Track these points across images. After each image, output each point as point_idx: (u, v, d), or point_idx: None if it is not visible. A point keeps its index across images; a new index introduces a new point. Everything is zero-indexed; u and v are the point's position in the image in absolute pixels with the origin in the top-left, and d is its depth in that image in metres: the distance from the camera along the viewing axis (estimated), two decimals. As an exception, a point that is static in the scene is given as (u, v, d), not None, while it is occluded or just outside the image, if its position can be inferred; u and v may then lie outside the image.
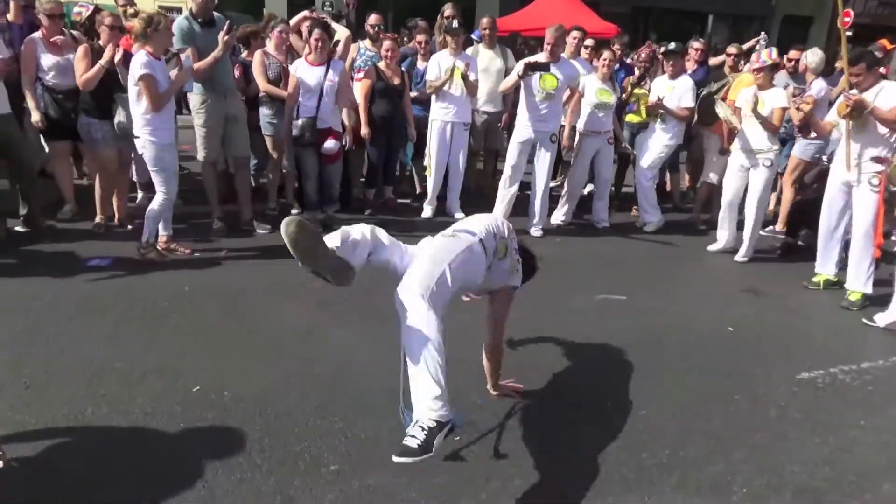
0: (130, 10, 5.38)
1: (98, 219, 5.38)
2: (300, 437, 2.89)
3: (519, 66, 5.67)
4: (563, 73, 5.78)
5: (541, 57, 5.76)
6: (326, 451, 2.82)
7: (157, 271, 4.67)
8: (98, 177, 5.38)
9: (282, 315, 4.11)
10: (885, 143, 4.54)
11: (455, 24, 6.22)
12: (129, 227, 5.43)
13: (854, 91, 4.53)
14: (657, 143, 6.28)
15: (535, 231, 6.15)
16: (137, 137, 4.63)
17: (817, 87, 6.11)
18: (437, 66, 6.08)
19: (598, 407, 3.27)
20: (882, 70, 5.51)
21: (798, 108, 5.37)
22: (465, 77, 5.96)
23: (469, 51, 6.47)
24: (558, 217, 6.54)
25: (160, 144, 4.60)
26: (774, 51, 5.52)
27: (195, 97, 5.27)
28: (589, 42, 6.86)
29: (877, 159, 4.53)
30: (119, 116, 5.02)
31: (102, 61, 4.92)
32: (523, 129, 5.91)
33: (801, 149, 6.23)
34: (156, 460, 2.70)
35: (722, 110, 5.57)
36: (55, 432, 2.83)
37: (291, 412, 3.08)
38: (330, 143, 5.56)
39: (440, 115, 6.18)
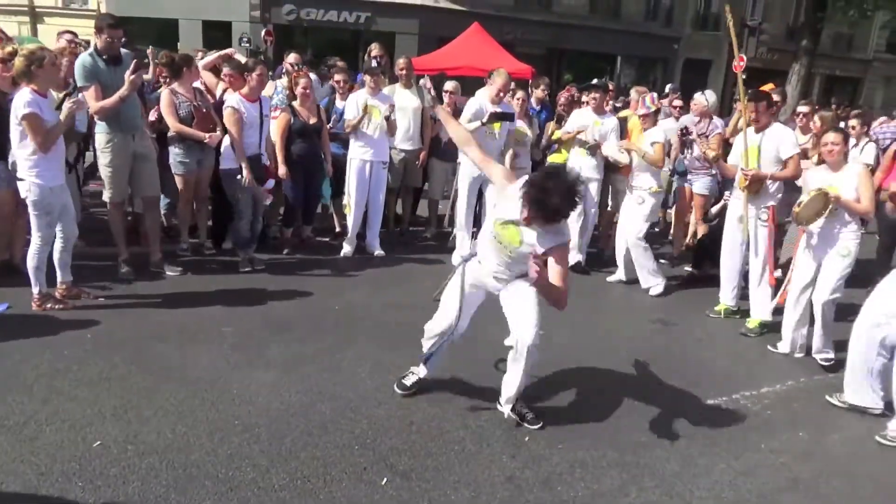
0: (8, 49, 5.05)
1: None
2: (210, 491, 2.77)
3: (483, 114, 5.79)
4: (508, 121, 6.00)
5: (489, 104, 5.88)
6: (238, 503, 2.71)
7: (57, 318, 4.41)
8: None
9: (192, 361, 3.95)
10: (777, 186, 4.95)
11: (374, 63, 6.29)
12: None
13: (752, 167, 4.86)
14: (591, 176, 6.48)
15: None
16: (21, 180, 4.32)
17: (717, 124, 6.57)
18: (356, 105, 6.12)
19: (516, 441, 3.31)
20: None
21: (704, 153, 5.72)
22: (388, 118, 6.02)
23: (386, 90, 6.55)
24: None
25: (46, 188, 4.31)
26: (656, 96, 6.08)
27: (100, 136, 5.07)
28: (520, 94, 7.07)
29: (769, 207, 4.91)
30: (12, 157, 4.72)
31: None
32: (470, 167, 5.98)
33: (701, 185, 6.60)
34: (49, 525, 2.53)
35: (609, 151, 6.01)
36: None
37: (201, 464, 2.95)
38: (271, 182, 5.67)
39: (358, 154, 6.20)
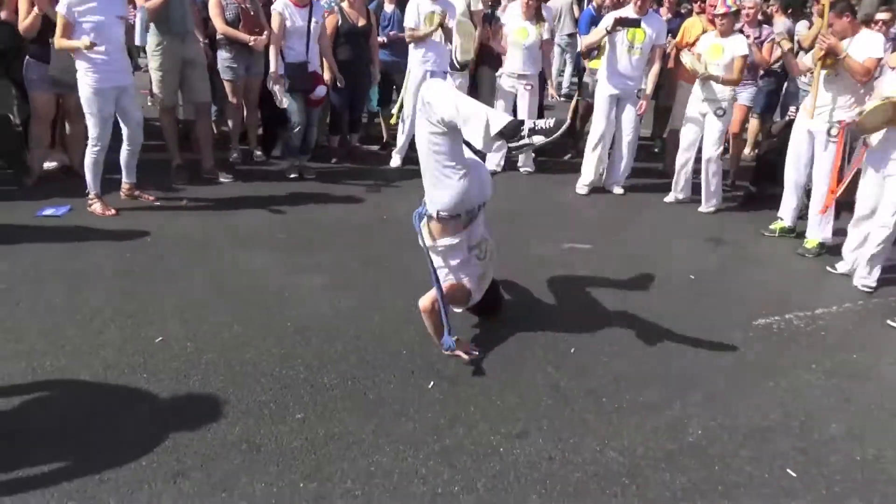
0: None
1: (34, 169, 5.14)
2: (265, 387, 2.90)
3: (608, 21, 5.49)
4: (652, 28, 5.62)
5: (629, 11, 5.55)
6: (292, 400, 2.83)
7: (117, 220, 4.55)
8: (32, 123, 5.05)
9: (246, 265, 4.06)
10: (854, 94, 4.57)
11: None
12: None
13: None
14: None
15: (618, 189, 6.10)
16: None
17: (781, 26, 6.10)
18: (416, 11, 5.88)
19: (561, 353, 3.33)
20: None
21: (779, 43, 5.30)
22: (442, 25, 5.78)
23: None
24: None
25: (92, 88, 4.35)
26: None
27: (151, 38, 5.05)
28: None
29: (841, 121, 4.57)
30: (53, 62, 4.71)
31: (36, 8, 4.51)
32: (606, 85, 5.76)
33: (746, 96, 6.14)
34: (118, 412, 2.69)
35: (687, 58, 5.52)
36: (13, 388, 2.78)
37: (256, 362, 3.07)
38: (320, 89, 5.52)
39: (419, 64, 5.98)
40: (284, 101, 5.42)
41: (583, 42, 5.93)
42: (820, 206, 4.79)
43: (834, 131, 4.62)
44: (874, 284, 4.32)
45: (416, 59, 5.99)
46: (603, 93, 5.83)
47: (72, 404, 2.72)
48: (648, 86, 5.91)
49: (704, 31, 5.97)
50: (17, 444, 2.47)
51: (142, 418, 2.66)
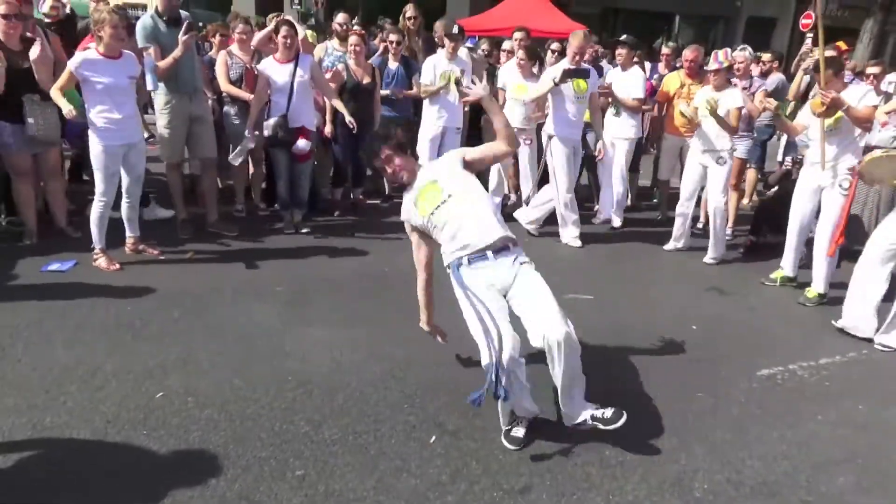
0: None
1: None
2: (266, 443, 2.88)
3: (555, 73, 5.62)
4: (590, 79, 5.80)
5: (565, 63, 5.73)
6: (292, 455, 2.80)
7: (120, 275, 4.59)
8: (16, 184, 4.99)
9: (249, 318, 4.08)
10: (855, 146, 4.68)
11: (455, 29, 6.17)
12: (80, 234, 5.09)
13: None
14: (617, 134, 6.36)
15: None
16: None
17: (774, 81, 6.26)
18: (433, 69, 6.06)
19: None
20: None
21: (765, 106, 5.43)
22: (458, 83, 5.89)
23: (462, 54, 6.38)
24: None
25: (101, 145, 4.43)
26: (729, 52, 5.65)
27: (159, 97, 5.19)
28: (555, 46, 6.93)
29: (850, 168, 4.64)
30: (29, 119, 4.69)
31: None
32: (562, 141, 5.83)
33: (742, 149, 6.35)
34: (117, 469, 2.66)
35: (685, 108, 5.65)
36: (14, 444, 2.77)
37: (257, 417, 3.06)
38: (302, 143, 5.55)
39: (434, 119, 6.15)
40: (238, 160, 5.57)
41: (529, 95, 5.99)
42: (825, 256, 4.81)
43: (846, 184, 4.68)
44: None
45: (431, 115, 6.16)
46: (561, 149, 5.82)
47: (72, 460, 2.70)
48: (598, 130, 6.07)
49: (683, 85, 6.22)
50: (16, 500, 2.45)
51: (141, 475, 2.64)
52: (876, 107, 4.57)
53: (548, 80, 5.64)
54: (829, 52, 4.88)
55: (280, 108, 5.50)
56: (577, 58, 5.64)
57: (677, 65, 7.01)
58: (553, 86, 5.57)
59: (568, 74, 5.54)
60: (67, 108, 4.16)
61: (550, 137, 5.87)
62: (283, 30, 5.47)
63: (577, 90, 5.70)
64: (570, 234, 6.04)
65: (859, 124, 4.56)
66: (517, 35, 6.60)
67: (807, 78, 6.71)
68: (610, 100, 6.30)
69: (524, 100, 6.15)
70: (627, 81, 6.28)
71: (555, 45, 6.95)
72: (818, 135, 4.72)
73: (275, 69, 5.46)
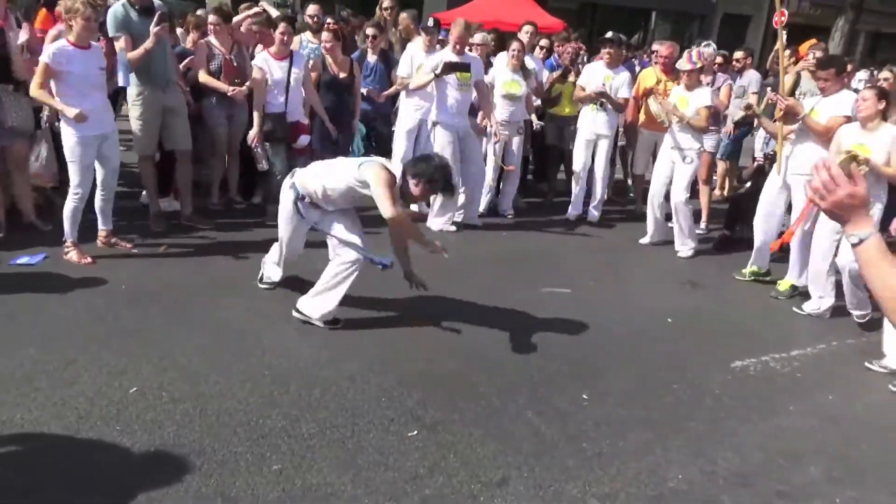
0: None
1: None
2: (242, 438, 2.85)
3: (436, 65, 5.61)
4: (473, 67, 5.79)
5: (452, 55, 5.72)
6: (269, 450, 2.78)
7: (92, 268, 4.51)
8: None
9: (224, 313, 4.03)
10: (823, 146, 4.70)
11: (430, 22, 6.15)
12: (50, 226, 5.00)
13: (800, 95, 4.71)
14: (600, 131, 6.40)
15: (477, 220, 6.23)
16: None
17: (749, 78, 6.36)
18: (410, 61, 5.99)
19: (541, 398, 3.33)
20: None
21: (747, 106, 5.55)
22: (437, 76, 5.85)
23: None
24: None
25: (75, 137, 4.34)
26: (703, 52, 5.75)
27: (131, 89, 5.08)
28: (544, 42, 6.92)
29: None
30: (11, 111, 4.62)
31: None
32: (446, 127, 5.84)
33: (709, 143, 6.41)
34: (91, 465, 2.62)
35: (655, 106, 5.73)
36: (-18, 439, 2.71)
37: (233, 412, 3.03)
38: (303, 138, 5.58)
39: (410, 112, 6.06)
40: (264, 164, 5.54)
41: (412, 84, 5.92)
42: (799, 250, 4.86)
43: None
44: (868, 312, 4.42)
45: (409, 107, 6.09)
46: (443, 135, 5.81)
47: (43, 457, 2.65)
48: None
49: (659, 81, 6.28)
50: (-18, 501, 2.40)
51: (115, 471, 2.60)
52: (848, 118, 4.55)
53: (429, 71, 5.69)
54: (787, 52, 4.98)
55: (277, 104, 5.49)
56: (458, 48, 5.71)
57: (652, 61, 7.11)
58: (434, 77, 5.63)
59: (449, 68, 5.60)
60: (69, 113, 4.13)
61: (434, 124, 5.90)
62: (282, 26, 5.48)
63: (461, 78, 5.74)
64: (442, 221, 5.98)
65: (817, 136, 4.63)
66: (527, 28, 6.72)
67: (806, 77, 6.76)
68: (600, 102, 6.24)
69: (517, 94, 6.14)
70: (617, 81, 6.20)
71: (543, 42, 6.95)
72: (779, 136, 4.82)
73: (271, 65, 5.43)
